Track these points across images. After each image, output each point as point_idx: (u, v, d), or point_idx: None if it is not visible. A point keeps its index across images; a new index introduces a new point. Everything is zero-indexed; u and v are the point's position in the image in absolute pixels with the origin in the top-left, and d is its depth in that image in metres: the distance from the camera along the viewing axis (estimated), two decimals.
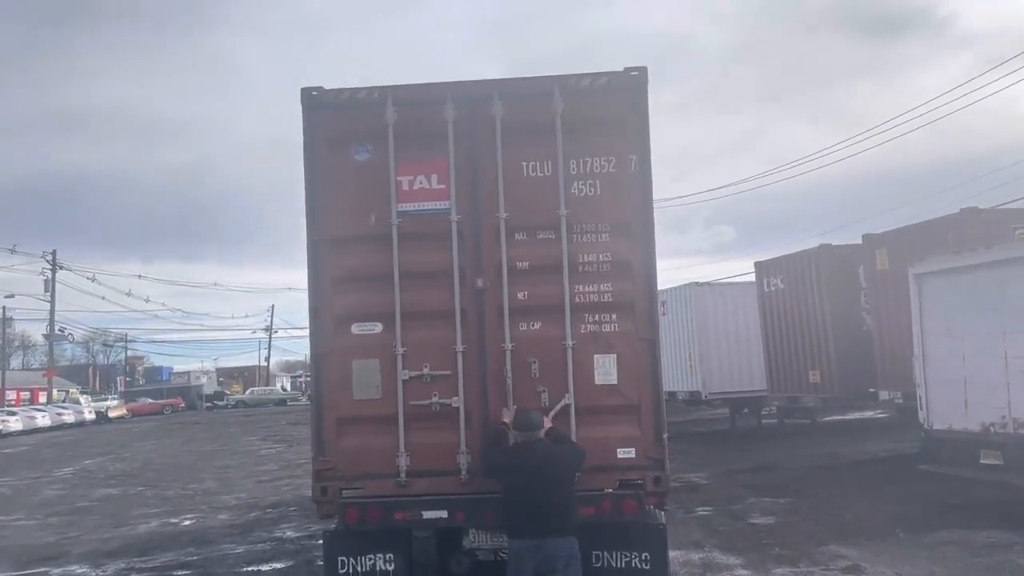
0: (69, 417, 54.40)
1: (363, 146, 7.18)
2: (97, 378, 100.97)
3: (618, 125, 7.05)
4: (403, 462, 6.87)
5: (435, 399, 6.92)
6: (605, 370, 6.90)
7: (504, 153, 7.01)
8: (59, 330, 64.34)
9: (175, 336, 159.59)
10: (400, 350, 6.95)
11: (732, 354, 23.52)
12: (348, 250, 7.08)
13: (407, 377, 6.94)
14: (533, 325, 6.97)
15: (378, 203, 7.07)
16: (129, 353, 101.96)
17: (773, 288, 20.50)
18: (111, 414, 60.64)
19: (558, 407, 6.80)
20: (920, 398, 13.43)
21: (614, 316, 6.94)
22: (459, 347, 6.93)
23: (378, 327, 7.05)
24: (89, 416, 56.80)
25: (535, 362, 6.90)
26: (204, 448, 32.79)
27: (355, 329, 7.06)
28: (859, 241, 18.30)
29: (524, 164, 7.06)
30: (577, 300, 6.93)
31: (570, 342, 6.88)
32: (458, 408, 6.88)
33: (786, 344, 20.19)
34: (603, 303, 6.94)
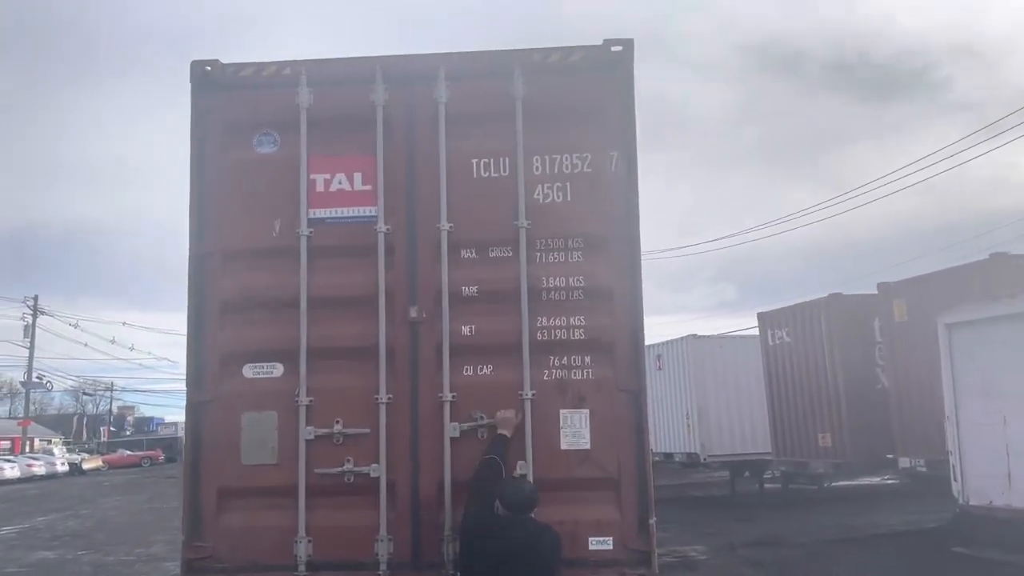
0: (40, 469, 52.00)
1: (268, 136, 5.60)
2: (84, 428, 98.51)
3: (595, 113, 5.49)
4: (303, 550, 5.14)
5: (348, 466, 5.22)
6: (574, 431, 5.21)
7: (449, 147, 5.44)
8: (37, 378, 62.32)
9: (163, 386, 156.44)
10: (305, 400, 5.27)
11: (733, 413, 21.73)
12: (242, 267, 5.46)
13: (312, 436, 5.24)
14: (481, 369, 5.31)
15: (284, 208, 5.47)
16: (118, 403, 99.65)
17: (778, 341, 18.82)
18: (85, 466, 58.18)
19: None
20: (953, 468, 11.66)
21: (587, 359, 5.28)
22: (382, 397, 5.25)
23: (278, 369, 5.38)
24: (62, 468, 54.39)
25: (482, 418, 5.22)
26: (168, 505, 30.62)
27: (247, 371, 5.38)
28: (871, 291, 16.69)
29: (474, 162, 5.47)
30: (539, 337, 5.29)
31: (529, 392, 5.21)
32: (378, 479, 5.17)
33: (793, 403, 18.43)
34: (573, 342, 5.30)
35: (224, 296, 5.43)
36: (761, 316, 19.64)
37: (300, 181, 5.47)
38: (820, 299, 17.64)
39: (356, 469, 5.20)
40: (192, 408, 5.39)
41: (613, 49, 5.50)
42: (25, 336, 58.23)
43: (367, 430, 5.24)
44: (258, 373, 5.38)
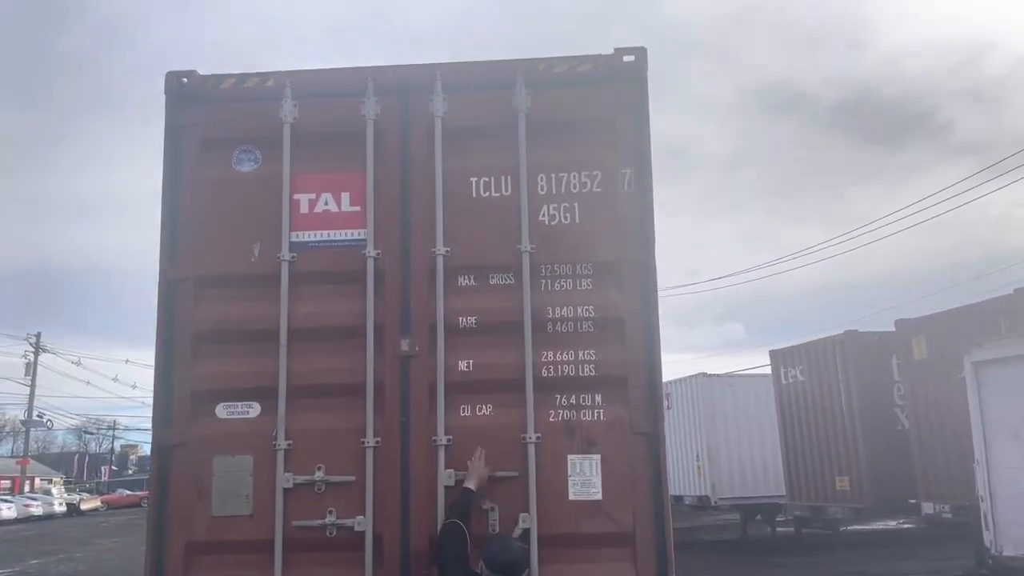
0: (37, 509, 51.11)
1: (249, 152, 5.13)
2: (85, 467, 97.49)
3: (606, 128, 5.01)
4: None
5: (331, 518, 4.66)
6: (584, 479, 4.65)
7: (446, 164, 4.96)
8: (38, 416, 61.61)
9: None
10: (283, 443, 4.73)
11: (744, 455, 21.02)
12: (217, 295, 4.96)
13: (291, 484, 4.70)
14: (480, 409, 4.78)
15: (264, 231, 4.99)
16: (121, 442, 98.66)
17: (792, 380, 18.19)
18: (83, 506, 57.23)
19: (514, 536, 4.54)
20: (984, 515, 11.00)
21: (598, 398, 4.75)
22: (369, 441, 4.71)
23: (254, 409, 4.85)
24: (59, 508, 53.48)
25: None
26: None
27: (221, 411, 4.86)
28: (886, 328, 16.11)
29: (473, 180, 4.99)
30: (545, 373, 4.76)
31: (533, 436, 4.67)
32: (363, 533, 4.61)
33: (808, 445, 17.75)
34: (582, 378, 4.77)
35: (196, 327, 4.92)
36: (774, 354, 19.03)
37: (282, 201, 4.99)
38: (835, 336, 17.05)
39: (339, 522, 4.64)
40: (159, 452, 4.84)
41: (625, 59, 5.04)
42: (26, 374, 57.64)
43: (352, 478, 4.69)
44: (232, 413, 4.85)
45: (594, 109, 5.02)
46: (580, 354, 4.78)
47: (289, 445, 4.73)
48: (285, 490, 4.68)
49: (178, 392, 4.86)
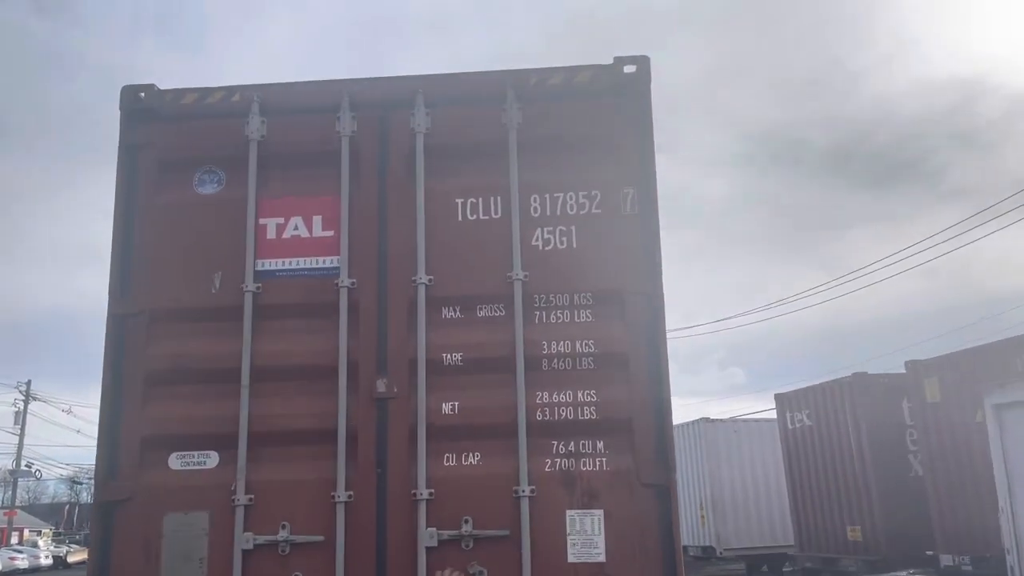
0: (23, 562, 49.65)
1: (211, 173, 4.65)
2: (75, 517, 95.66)
3: (605, 144, 4.55)
4: None
5: None
6: (585, 538, 4.08)
7: (429, 184, 4.49)
8: (26, 466, 60.43)
9: None
10: (243, 498, 4.16)
11: (750, 503, 20.30)
12: (173, 331, 4.44)
13: (251, 545, 4.13)
14: (467, 458, 4.23)
15: (227, 259, 4.49)
16: None
17: (799, 425, 17.55)
18: (70, 559, 55.74)
19: None
20: (1011, 568, 10.33)
21: (600, 444, 4.20)
22: (341, 495, 4.15)
23: (211, 458, 4.30)
24: (46, 560, 52.08)
25: (468, 521, 4.11)
26: None
27: (174, 461, 4.31)
28: (896, 370, 15.53)
29: (459, 202, 4.51)
30: (539, 417, 4.22)
31: (526, 488, 4.11)
32: None
33: (817, 493, 17.04)
34: (582, 422, 4.23)
35: (149, 366, 4.39)
36: (779, 397, 18.41)
37: (247, 227, 4.49)
38: (843, 379, 16.45)
39: None
40: (101, 508, 4.27)
41: (626, 69, 4.59)
42: (16, 423, 56.66)
43: (321, 537, 4.12)
44: (187, 464, 4.30)
45: (592, 124, 4.56)
46: (579, 395, 4.25)
47: (250, 500, 4.17)
48: (245, 552, 4.11)
49: (126, 440, 4.31)
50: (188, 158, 4.65)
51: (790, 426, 18.02)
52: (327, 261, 4.48)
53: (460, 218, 4.49)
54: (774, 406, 18.94)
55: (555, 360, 4.30)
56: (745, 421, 21.96)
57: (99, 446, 4.31)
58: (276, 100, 4.67)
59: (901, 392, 15.39)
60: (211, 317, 4.44)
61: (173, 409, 4.34)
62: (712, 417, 21.34)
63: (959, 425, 12.95)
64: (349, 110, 4.59)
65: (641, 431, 4.19)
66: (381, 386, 4.29)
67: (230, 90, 4.70)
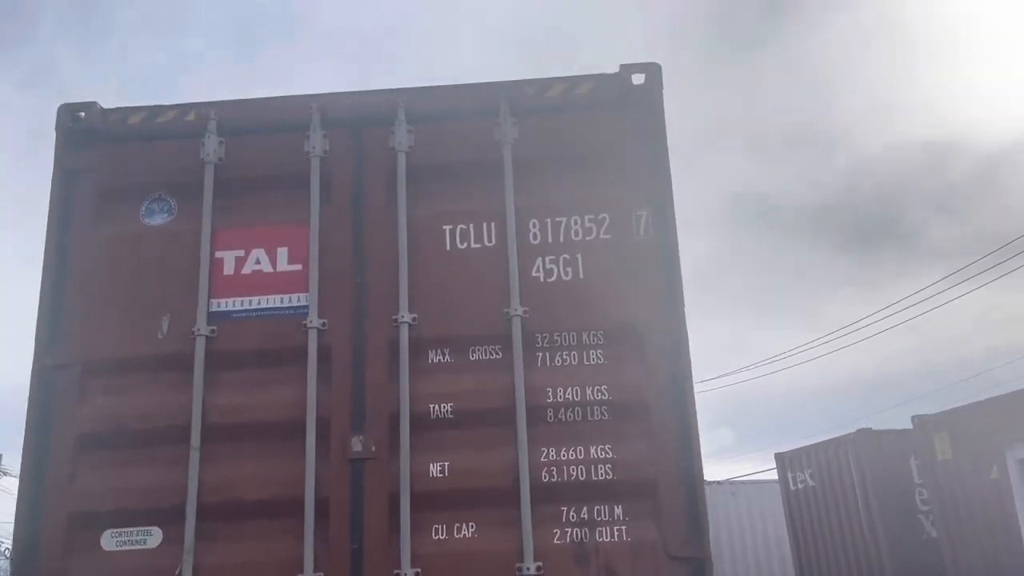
0: None
1: (161, 201, 4.04)
2: None
3: (613, 161, 3.99)
4: None
5: None
6: None
7: (412, 210, 3.90)
8: None
9: None
10: None
11: (751, 569, 19.40)
12: (110, 385, 3.80)
13: None
14: (460, 530, 3.55)
15: (176, 299, 3.86)
16: None
17: (801, 486, 16.78)
18: None
19: None
20: None
21: (619, 510, 3.54)
22: None
23: (153, 536, 3.60)
24: None
25: None
26: None
27: (108, 540, 3.61)
28: (902, 426, 14.90)
29: (447, 229, 3.91)
30: (546, 478, 3.57)
31: (532, 565, 3.43)
32: None
33: (824, 557, 16.19)
34: (597, 484, 3.58)
35: (81, 427, 3.71)
36: (779, 457, 17.67)
37: (200, 261, 3.86)
38: (847, 436, 15.78)
39: None
40: None
41: (634, 79, 4.05)
42: None
43: None
44: (123, 543, 3.59)
45: (598, 139, 4.01)
46: (592, 451, 3.60)
47: None
48: None
49: (50, 516, 3.60)
50: (134, 185, 4.05)
51: (792, 487, 17.26)
52: (294, 299, 3.85)
53: (448, 247, 3.89)
54: (767, 467, 18.17)
55: (562, 410, 3.66)
56: (744, 483, 21.16)
57: (17, 523, 3.59)
58: (236, 118, 4.10)
59: (908, 449, 14.73)
60: (156, 367, 3.79)
61: (108, 478, 3.65)
62: (708, 480, 20.55)
63: (974, 483, 12.28)
64: (320, 127, 4.02)
65: (667, 494, 3.53)
66: (357, 445, 3.62)
67: (184, 108, 4.13)
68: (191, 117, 4.10)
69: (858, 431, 15.89)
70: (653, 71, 4.06)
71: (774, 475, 18.40)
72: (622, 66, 4.06)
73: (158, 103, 4.17)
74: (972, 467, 12.44)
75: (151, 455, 3.68)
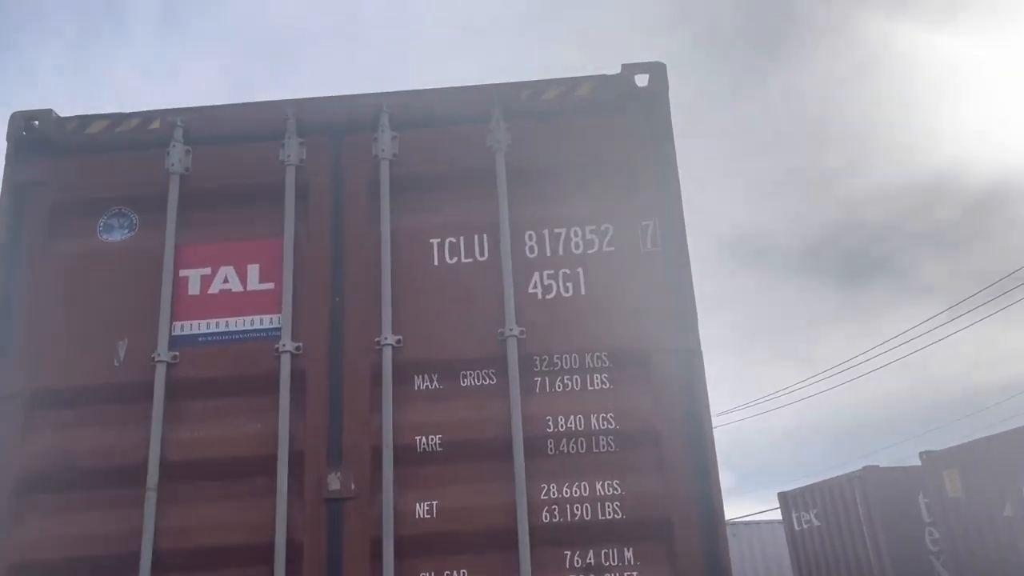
0: None
1: (122, 217, 3.69)
2: None
3: (616, 168, 3.67)
4: None
5: None
6: None
7: (396, 222, 3.56)
8: None
9: None
10: None
11: None
12: (58, 420, 3.42)
13: None
14: None
15: (134, 322, 3.49)
16: None
17: (806, 526, 16.29)
18: None
19: None
20: None
21: (629, 554, 3.16)
22: None
23: None
24: None
25: None
26: None
27: None
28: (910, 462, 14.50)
29: (435, 243, 3.56)
30: (547, 518, 3.18)
31: None
32: None
33: None
34: (604, 524, 3.20)
35: (24, 468, 3.32)
36: (783, 496, 17.22)
37: (162, 281, 3.50)
38: (853, 474, 15.36)
39: None
40: None
41: (637, 80, 3.74)
42: None
43: None
44: None
45: (599, 144, 3.68)
46: (599, 486, 3.21)
47: None
48: None
49: None
50: (92, 199, 3.70)
51: (797, 527, 16.77)
52: (265, 321, 3.48)
53: (436, 262, 3.54)
54: (766, 507, 17.71)
55: (564, 441, 3.28)
56: (746, 524, 20.67)
57: None
58: (205, 126, 3.77)
59: (917, 486, 14.30)
60: (111, 398, 3.40)
61: (54, 524, 3.25)
62: None
63: (986, 521, 11.87)
64: (296, 134, 3.69)
65: (683, 535, 3.13)
66: (334, 483, 3.22)
67: (148, 116, 3.80)
68: (156, 125, 3.77)
69: (864, 468, 15.46)
70: (658, 71, 3.75)
71: (774, 515, 17.92)
72: (624, 66, 3.75)
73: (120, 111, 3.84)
74: (984, 504, 12.04)
75: (103, 498, 3.28)
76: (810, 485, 16.61)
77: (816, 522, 16.24)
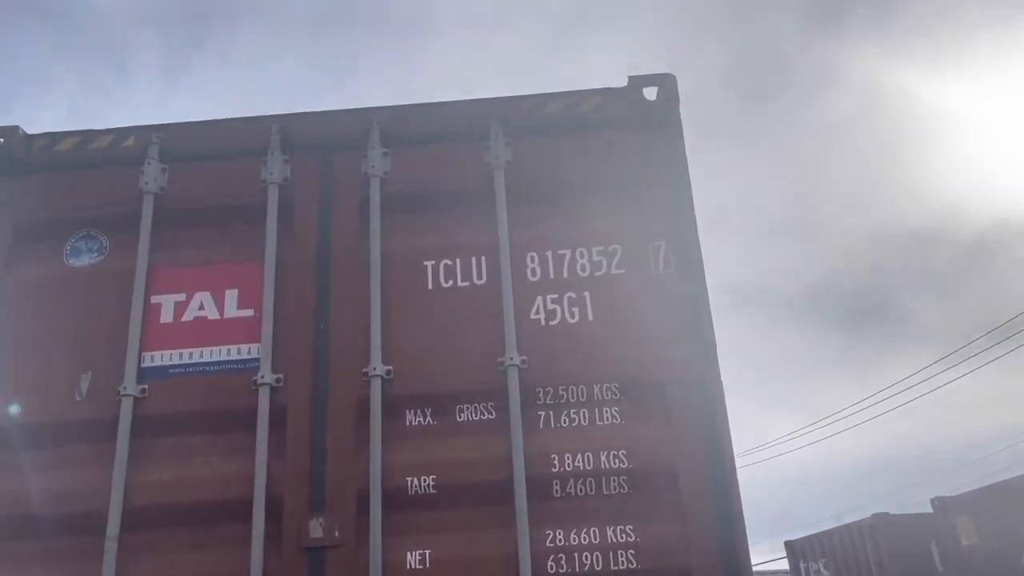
0: None
1: (91, 239, 3.43)
2: None
3: (624, 185, 3.42)
4: None
5: None
6: None
7: (388, 243, 3.29)
8: None
9: None
10: None
11: None
12: (11, 462, 3.10)
13: None
14: None
15: (100, 353, 3.18)
16: None
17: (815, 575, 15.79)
18: None
19: None
20: None
21: None
22: None
23: None
24: None
25: None
26: None
27: None
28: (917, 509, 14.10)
29: (429, 265, 3.29)
30: (552, 568, 2.88)
31: None
32: None
33: None
34: (615, 575, 2.83)
35: None
36: (790, 545, 16.73)
37: (132, 307, 3.21)
38: (863, 521, 14.92)
39: None
40: None
41: (645, 93, 3.50)
42: None
43: None
44: None
45: (605, 160, 3.43)
46: (610, 533, 2.89)
47: None
48: None
49: None
50: (58, 220, 3.43)
51: None
52: (243, 351, 3.18)
53: (431, 286, 3.26)
54: (770, 556, 17.21)
55: (571, 482, 2.96)
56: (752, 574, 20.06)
57: None
58: (183, 143, 3.52)
59: (929, 534, 13.86)
60: (71, 437, 3.09)
61: None
62: None
63: (1002, 571, 11.46)
64: (280, 151, 3.43)
65: None
66: (316, 529, 2.90)
67: (122, 132, 3.55)
68: (130, 142, 3.52)
69: (874, 515, 15.02)
70: (668, 83, 3.51)
71: (777, 565, 17.37)
72: (631, 78, 3.51)
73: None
74: (1000, 552, 11.67)
75: (61, 548, 2.95)
76: (818, 533, 16.13)
77: (825, 572, 15.73)
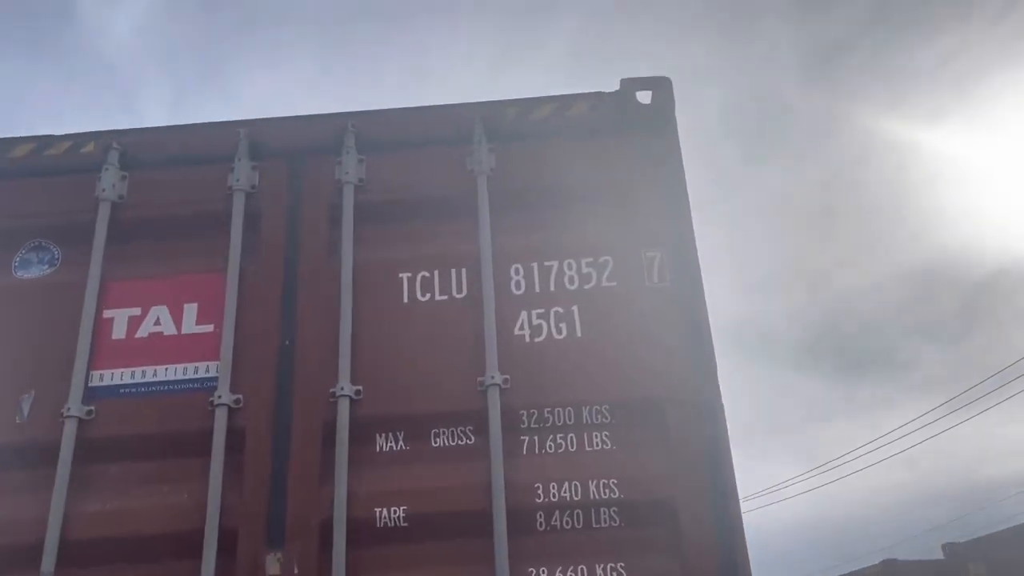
0: None
1: (42, 251, 3.19)
2: None
3: (615, 193, 3.19)
4: None
5: None
6: None
7: (361, 254, 3.05)
8: None
9: None
10: None
11: None
12: None
13: None
14: None
15: (44, 371, 2.92)
16: None
17: None
18: None
19: None
20: None
21: None
22: None
23: None
24: None
25: None
26: None
27: None
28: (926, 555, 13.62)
29: (405, 277, 3.05)
30: None
31: None
32: None
33: None
34: None
35: None
36: None
37: (82, 320, 2.96)
38: (872, 568, 14.42)
39: None
40: None
41: (639, 96, 3.28)
42: None
43: None
44: None
45: (595, 167, 3.20)
46: (599, 570, 2.61)
47: None
48: None
49: None
50: (7, 230, 3.20)
51: None
52: (201, 369, 2.92)
53: (406, 299, 3.01)
54: None
55: (557, 514, 2.68)
56: None
57: None
58: (146, 149, 3.30)
59: None
60: (9, 462, 2.82)
61: None
62: None
63: None
64: (248, 157, 3.21)
65: None
66: (273, 565, 2.61)
67: (81, 138, 3.33)
68: (89, 148, 3.29)
69: (883, 562, 14.54)
70: (663, 86, 3.29)
71: None
72: (624, 81, 3.30)
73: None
74: None
75: None
76: None
77: None
